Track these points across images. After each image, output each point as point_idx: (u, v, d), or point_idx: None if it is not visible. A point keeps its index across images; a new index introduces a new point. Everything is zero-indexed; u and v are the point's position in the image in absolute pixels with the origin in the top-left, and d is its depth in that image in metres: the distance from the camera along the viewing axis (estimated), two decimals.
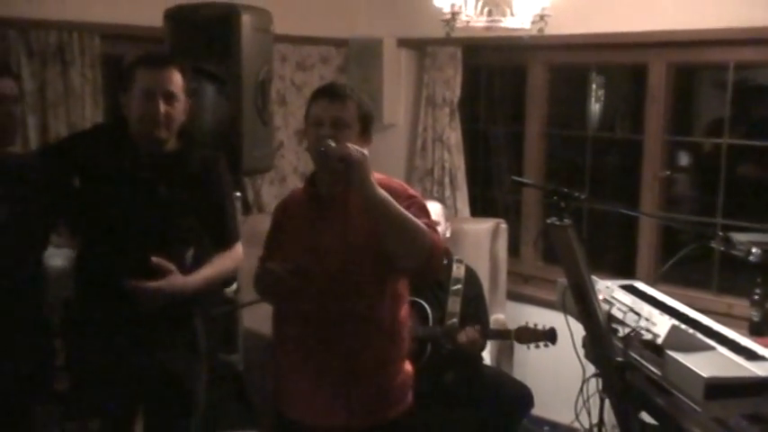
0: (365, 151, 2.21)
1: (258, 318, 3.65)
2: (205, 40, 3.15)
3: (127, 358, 2.56)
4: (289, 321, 2.44)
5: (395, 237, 2.22)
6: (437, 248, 2.29)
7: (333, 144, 2.22)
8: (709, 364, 2.35)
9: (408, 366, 2.51)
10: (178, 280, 2.52)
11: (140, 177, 2.55)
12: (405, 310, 2.47)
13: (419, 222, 2.24)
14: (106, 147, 2.59)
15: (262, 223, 4.30)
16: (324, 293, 2.33)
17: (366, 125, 2.39)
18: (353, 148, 2.18)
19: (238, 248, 2.78)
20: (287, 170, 4.79)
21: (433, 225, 2.35)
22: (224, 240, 2.73)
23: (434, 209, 3.29)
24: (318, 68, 4.91)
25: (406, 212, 2.22)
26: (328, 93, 2.37)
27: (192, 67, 3.14)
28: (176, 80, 2.54)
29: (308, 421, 2.39)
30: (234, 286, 3.34)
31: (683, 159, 5.28)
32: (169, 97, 2.52)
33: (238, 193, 3.55)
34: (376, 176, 2.36)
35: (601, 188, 4.80)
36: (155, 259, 2.47)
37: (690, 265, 4.07)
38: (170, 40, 3.26)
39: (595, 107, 5.06)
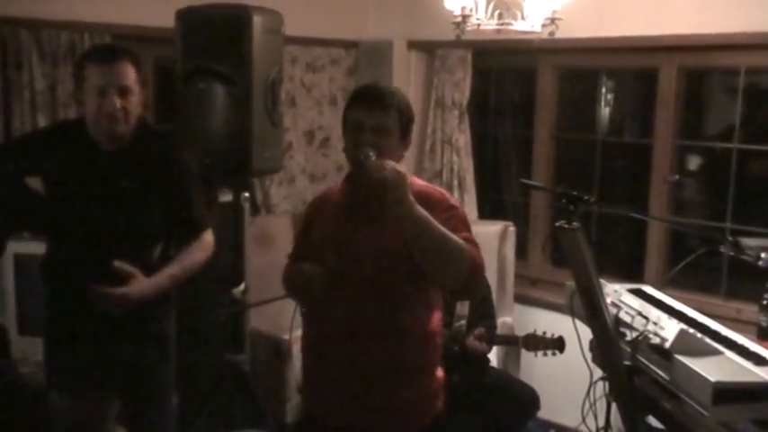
0: (402, 168, 2.13)
1: (265, 318, 3.67)
2: (216, 41, 3.16)
3: (95, 354, 2.56)
4: (319, 324, 2.39)
5: (431, 257, 2.15)
6: (476, 267, 2.20)
7: (373, 157, 2.15)
8: (717, 368, 2.35)
9: (440, 373, 2.44)
10: (141, 283, 2.49)
11: (100, 174, 2.50)
12: (437, 318, 2.40)
13: (458, 241, 2.15)
14: (64, 145, 2.55)
15: (270, 224, 4.35)
16: (355, 298, 2.27)
17: (406, 130, 2.33)
18: (391, 168, 2.10)
19: (207, 237, 2.71)
20: (295, 171, 4.80)
21: (473, 240, 2.26)
22: (191, 230, 2.68)
23: None
24: (328, 70, 4.92)
25: (444, 232, 2.14)
26: (370, 98, 2.29)
27: (201, 66, 3.17)
28: (129, 73, 2.47)
29: (335, 424, 2.34)
30: (242, 287, 3.34)
31: (693, 163, 5.27)
32: (124, 92, 2.45)
33: (247, 194, 3.56)
34: (417, 184, 2.34)
35: (610, 192, 4.80)
36: (116, 264, 2.44)
37: (698, 269, 4.07)
38: (181, 41, 3.27)
39: (605, 111, 5.05)
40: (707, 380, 2.25)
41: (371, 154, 2.17)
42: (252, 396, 3.49)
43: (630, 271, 4.39)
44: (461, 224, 2.29)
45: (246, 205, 3.57)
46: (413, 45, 4.89)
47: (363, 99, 2.31)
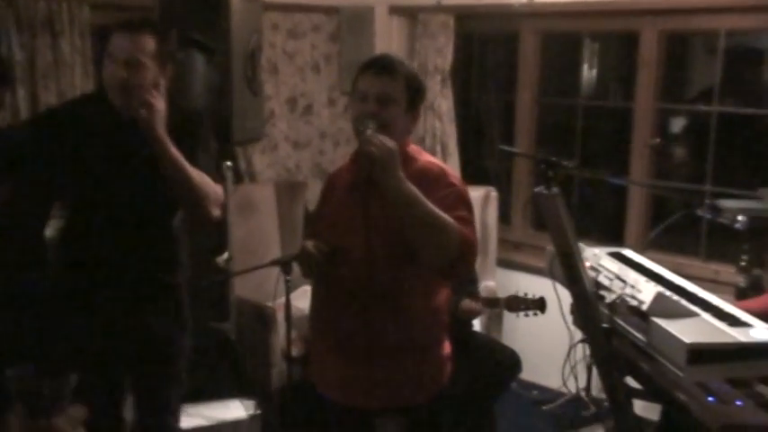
0: (391, 143, 2.09)
1: (249, 286, 3.69)
2: (195, 11, 3.14)
3: (110, 325, 2.56)
4: (324, 299, 2.39)
5: (417, 234, 2.12)
6: (467, 247, 2.15)
7: (371, 129, 2.13)
8: (692, 330, 2.39)
9: (447, 348, 2.42)
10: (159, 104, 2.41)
11: (122, 143, 2.50)
12: (443, 296, 2.39)
13: (447, 220, 2.11)
14: (90, 115, 2.55)
15: (254, 192, 4.36)
16: (359, 276, 2.26)
17: (414, 101, 2.30)
18: (379, 142, 2.08)
19: (219, 187, 2.63)
20: (278, 138, 4.79)
21: (468, 219, 2.23)
22: None
23: None
24: (310, 37, 4.89)
25: (432, 210, 2.10)
26: (376, 65, 2.26)
27: (180, 36, 3.15)
28: (143, 46, 2.43)
29: (339, 399, 2.35)
30: (225, 255, 3.37)
31: (677, 126, 5.30)
32: (132, 64, 2.42)
33: (229, 163, 3.57)
34: (421, 160, 2.33)
35: (593, 156, 4.82)
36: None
37: (678, 232, 4.11)
38: (159, 10, 3.26)
39: (590, 74, 5.06)
40: (682, 341, 2.29)
41: (371, 126, 2.15)
42: (237, 363, 3.53)
43: (612, 234, 4.43)
44: (458, 202, 2.24)
45: (229, 174, 3.58)
46: (394, 10, 4.86)
47: (369, 68, 2.27)
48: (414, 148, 2.39)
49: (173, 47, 2.59)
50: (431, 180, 2.24)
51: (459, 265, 2.16)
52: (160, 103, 2.39)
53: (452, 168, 4.67)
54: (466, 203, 2.28)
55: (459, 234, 2.12)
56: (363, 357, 2.27)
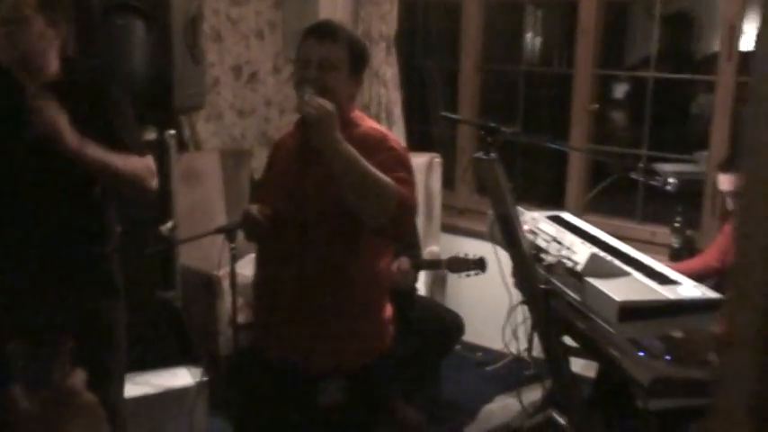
0: (330, 106, 2.10)
1: (195, 255, 3.69)
2: None
3: (38, 298, 2.49)
4: (266, 263, 2.43)
5: (356, 195, 2.14)
6: (405, 206, 2.18)
7: (307, 97, 2.14)
8: (623, 289, 2.49)
9: (388, 312, 2.46)
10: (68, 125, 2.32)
11: (24, 112, 2.35)
12: (384, 260, 2.43)
13: (385, 180, 2.13)
14: None
15: (199, 161, 4.34)
16: (300, 239, 2.29)
17: (357, 66, 2.31)
18: (317, 105, 2.10)
19: (148, 161, 2.56)
20: (223, 107, 4.76)
21: (408, 180, 2.26)
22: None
23: None
24: (254, 3, 4.84)
25: (370, 170, 2.12)
26: (318, 31, 2.29)
27: (118, 3, 3.11)
28: (20, 6, 2.31)
29: (281, 361, 2.38)
30: (170, 224, 3.36)
31: (619, 92, 5.41)
32: (16, 23, 2.32)
33: (173, 131, 3.55)
34: (364, 126, 2.35)
35: (536, 121, 4.90)
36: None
37: (618, 195, 4.22)
38: None
39: (535, 42, 5.12)
40: (613, 300, 2.38)
41: (309, 91, 2.16)
42: (184, 332, 3.55)
43: (554, 199, 4.52)
44: (397, 164, 2.26)
45: (173, 142, 3.56)
46: None
47: (310, 33, 2.29)
48: (357, 114, 2.41)
49: (66, 10, 2.48)
50: (371, 144, 2.27)
51: (397, 224, 2.19)
52: (62, 118, 2.31)
53: (395, 134, 4.74)
54: (405, 166, 2.30)
55: (397, 194, 2.14)
56: (304, 320, 2.31)
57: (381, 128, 2.46)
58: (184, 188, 3.93)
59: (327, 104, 2.11)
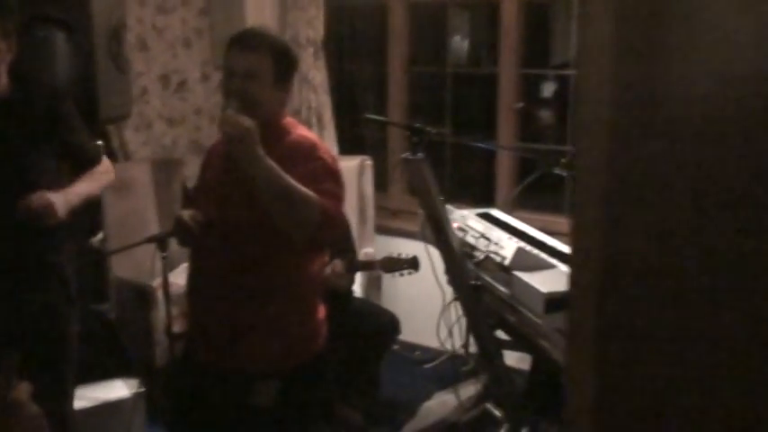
0: (249, 122, 2.10)
1: (128, 266, 3.67)
2: None
3: None
4: (198, 269, 2.43)
5: (277, 210, 2.16)
6: (328, 219, 2.19)
7: (228, 112, 2.15)
8: (549, 281, 2.57)
9: (321, 314, 2.47)
10: (49, 195, 2.40)
11: None
12: (316, 263, 2.42)
13: (307, 195, 2.14)
14: None
15: (129, 171, 4.30)
16: (230, 245, 2.30)
17: (283, 74, 2.31)
18: (235, 122, 2.10)
19: (106, 163, 2.69)
20: (152, 116, 4.73)
21: (334, 191, 2.26)
22: (86, 164, 2.65)
23: None
24: (180, 11, 4.82)
25: (292, 186, 2.13)
26: (239, 41, 2.28)
27: (38, 13, 3.07)
28: None
29: (216, 365, 2.38)
30: (99, 236, 3.33)
31: (548, 91, 5.53)
32: None
33: (101, 142, 3.51)
34: (295, 134, 2.35)
35: (466, 121, 4.98)
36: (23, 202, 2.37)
37: (547, 191, 4.32)
38: None
39: (462, 44, 5.21)
40: (539, 291, 2.46)
41: (233, 105, 2.17)
42: (118, 344, 3.52)
43: (485, 197, 4.61)
44: (325, 175, 2.26)
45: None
46: None
47: (236, 42, 2.29)
48: (289, 122, 2.41)
49: (15, 21, 2.47)
50: (300, 154, 2.28)
51: (321, 236, 2.22)
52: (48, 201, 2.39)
53: (326, 141, 4.77)
54: (333, 176, 2.30)
55: (320, 207, 2.15)
56: (236, 323, 2.33)
57: (312, 136, 2.46)
58: (115, 199, 3.90)
59: (246, 121, 2.11)
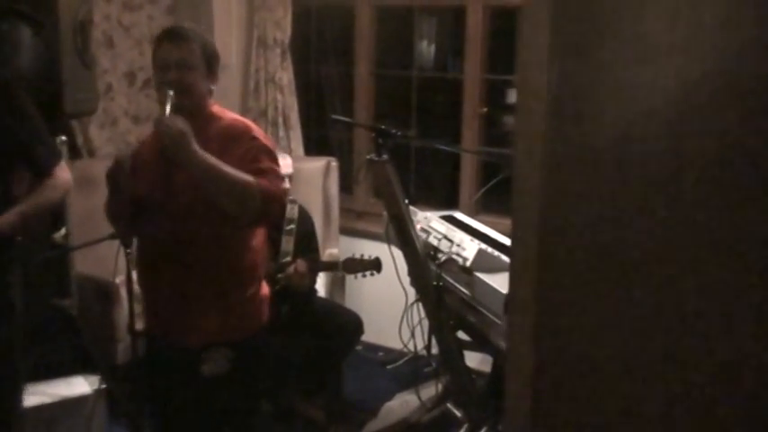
0: (182, 124, 2.24)
1: (90, 262, 3.64)
2: None
3: None
4: (145, 251, 2.54)
5: (218, 197, 2.31)
6: (270, 198, 2.33)
7: (171, 99, 2.28)
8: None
9: (264, 291, 2.60)
10: None
11: None
12: (258, 241, 2.55)
13: (246, 180, 2.28)
14: None
15: (92, 167, 4.27)
16: (174, 224, 2.40)
17: (211, 65, 2.46)
18: (171, 124, 2.24)
19: (61, 173, 2.63)
20: (117, 113, 4.70)
21: (271, 169, 2.39)
22: (41, 169, 2.58)
23: (284, 163, 3.37)
24: (146, 9, 4.81)
25: (230, 174, 2.27)
26: (171, 36, 2.42)
27: (4, 7, 3.05)
28: None
29: (166, 339, 2.51)
30: (62, 231, 3.31)
31: (513, 97, 5.59)
32: None
33: (64, 137, 3.49)
34: (226, 118, 2.49)
35: (432, 125, 5.03)
36: None
37: (509, 195, 4.36)
38: None
39: (429, 48, 5.25)
40: (499, 292, 2.50)
41: (171, 94, 2.30)
42: (80, 340, 3.49)
43: (450, 200, 4.66)
44: (261, 153, 2.40)
45: (65, 149, 3.50)
46: None
47: (165, 38, 2.43)
48: (217, 108, 2.54)
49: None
50: (235, 136, 2.43)
51: (263, 215, 2.38)
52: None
53: (292, 143, 4.79)
54: (269, 154, 2.44)
55: (259, 190, 2.30)
56: (184, 300, 2.45)
57: (244, 119, 2.60)
58: (78, 195, 3.86)
59: (180, 123, 2.25)
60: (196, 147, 2.25)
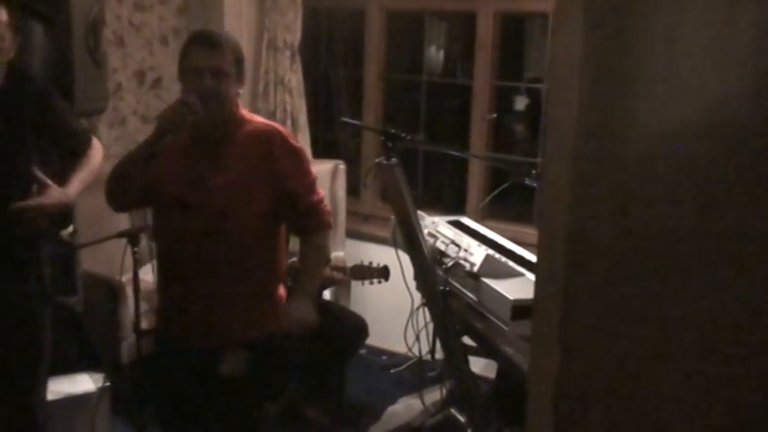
0: (312, 316, 2.47)
1: (97, 260, 3.65)
2: None
3: None
4: (168, 246, 2.52)
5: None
6: (322, 226, 2.56)
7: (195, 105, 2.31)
8: (516, 288, 2.61)
9: (282, 294, 2.62)
10: (56, 191, 2.55)
11: None
12: (281, 246, 2.59)
13: (321, 262, 2.69)
14: None
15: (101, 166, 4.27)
16: (206, 223, 2.41)
17: (240, 69, 2.45)
18: (303, 318, 2.46)
19: (95, 143, 2.82)
20: (126, 112, 4.72)
21: (313, 183, 2.51)
22: (82, 146, 2.76)
23: None
24: (157, 9, 4.82)
25: (315, 266, 2.61)
26: (205, 42, 2.40)
27: (19, 5, 3.07)
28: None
29: (186, 341, 2.50)
30: (70, 228, 3.32)
31: (521, 104, 5.60)
32: None
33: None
34: (255, 122, 2.50)
35: (440, 130, 5.03)
36: (17, 205, 2.45)
37: (517, 201, 4.38)
38: None
39: (438, 53, 5.26)
40: (506, 298, 2.50)
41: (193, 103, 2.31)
42: (86, 338, 3.50)
43: (457, 205, 4.66)
44: (304, 168, 2.50)
45: None
46: None
47: (200, 44, 2.40)
48: (246, 112, 2.56)
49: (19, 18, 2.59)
50: (268, 140, 2.45)
51: (325, 237, 2.63)
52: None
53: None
54: (305, 157, 2.56)
55: (325, 248, 2.64)
56: (207, 300, 2.45)
57: (274, 123, 2.64)
58: (86, 193, 3.86)
59: (311, 316, 2.48)
60: (307, 304, 2.49)
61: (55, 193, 2.54)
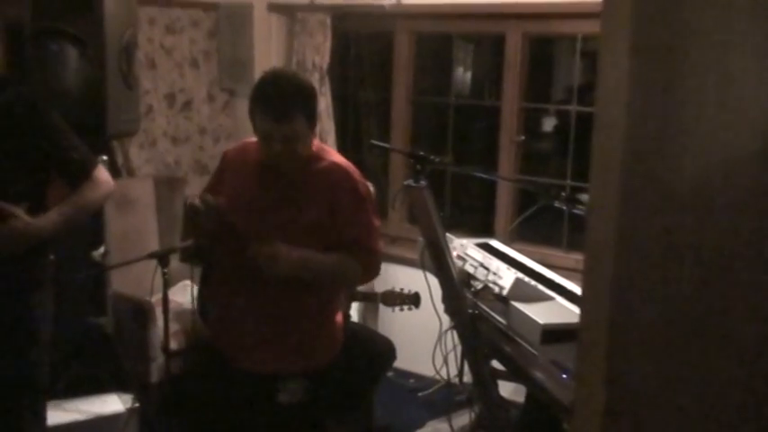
0: (277, 250, 2.30)
1: (127, 281, 3.68)
2: (66, 1, 3.12)
3: None
4: (227, 270, 2.52)
5: (325, 284, 2.49)
6: (368, 273, 2.59)
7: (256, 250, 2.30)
8: (546, 312, 2.59)
9: (340, 320, 2.66)
10: (21, 223, 2.36)
11: None
12: None
13: (346, 265, 2.45)
14: None
15: (132, 187, 4.33)
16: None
17: (313, 113, 2.38)
18: (267, 253, 2.29)
19: (99, 174, 2.58)
20: (157, 134, 4.77)
21: (371, 223, 2.53)
22: (77, 175, 2.54)
23: None
24: (188, 32, 4.89)
25: (329, 267, 2.44)
26: (274, 111, 2.28)
27: (52, 28, 3.12)
28: None
29: (248, 367, 2.49)
30: (101, 249, 3.35)
31: (548, 125, 5.58)
32: None
33: (105, 157, 3.54)
34: (329, 159, 2.49)
35: (468, 152, 5.02)
36: None
37: (545, 224, 4.35)
38: (31, 1, 3.21)
39: (466, 75, 5.26)
40: (536, 322, 2.48)
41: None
42: (115, 358, 3.52)
43: (485, 227, 4.64)
44: (364, 209, 2.50)
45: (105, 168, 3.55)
46: (273, 8, 4.92)
47: (269, 111, 2.29)
48: (318, 146, 2.53)
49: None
50: (335, 181, 2.45)
51: (366, 279, 2.72)
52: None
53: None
54: (371, 203, 2.57)
55: (356, 273, 2.50)
56: (267, 329, 2.45)
57: (345, 163, 2.56)
58: (117, 214, 3.92)
59: (270, 249, 2.30)
60: (287, 257, 2.31)
61: (20, 225, 2.37)
